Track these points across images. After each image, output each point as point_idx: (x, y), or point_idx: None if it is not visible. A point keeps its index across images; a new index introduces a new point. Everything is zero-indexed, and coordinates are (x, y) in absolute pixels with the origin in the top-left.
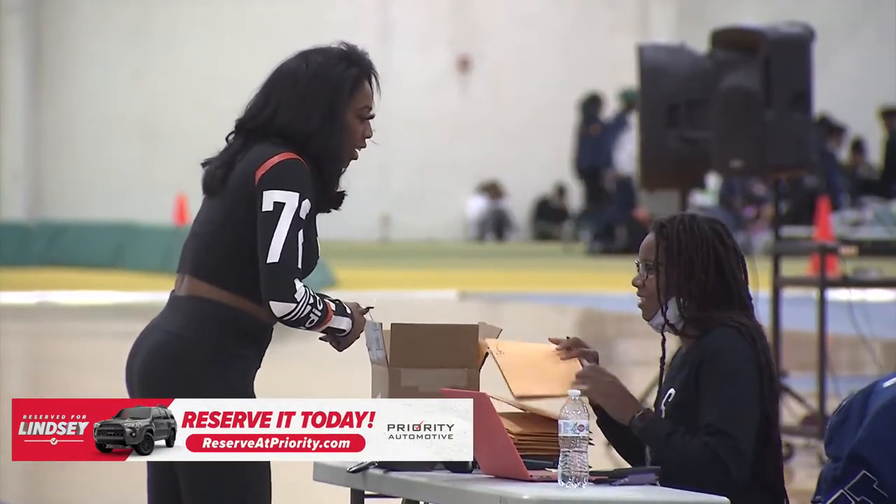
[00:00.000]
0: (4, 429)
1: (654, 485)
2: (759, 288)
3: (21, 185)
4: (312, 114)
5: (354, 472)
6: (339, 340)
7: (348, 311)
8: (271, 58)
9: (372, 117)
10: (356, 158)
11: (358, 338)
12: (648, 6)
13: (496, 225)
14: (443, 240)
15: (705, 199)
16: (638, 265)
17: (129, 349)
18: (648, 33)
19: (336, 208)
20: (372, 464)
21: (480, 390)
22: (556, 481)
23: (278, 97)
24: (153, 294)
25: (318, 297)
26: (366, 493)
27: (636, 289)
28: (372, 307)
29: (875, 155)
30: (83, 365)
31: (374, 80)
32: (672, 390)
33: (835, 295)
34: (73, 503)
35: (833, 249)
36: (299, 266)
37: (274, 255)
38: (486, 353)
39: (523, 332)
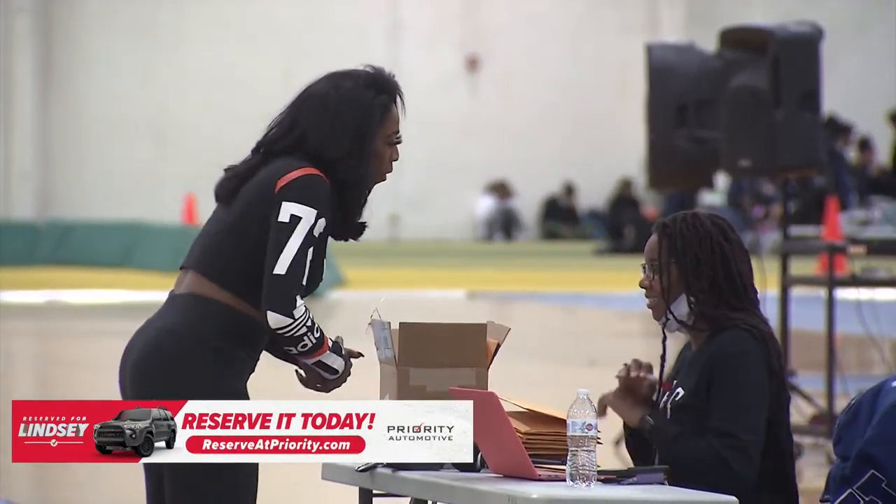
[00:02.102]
0: (7, 429)
1: (663, 484)
2: (768, 287)
3: (30, 184)
4: (342, 140)
5: (363, 471)
6: (327, 381)
7: (344, 352)
8: (278, 58)
9: (400, 141)
10: (384, 180)
11: (344, 382)
12: (657, 6)
13: (505, 224)
14: (451, 239)
15: (714, 198)
16: (644, 267)
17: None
18: (657, 33)
19: (355, 238)
20: (380, 463)
21: (489, 389)
22: (565, 480)
23: (306, 121)
24: (161, 293)
25: (317, 325)
26: (374, 492)
27: (644, 290)
28: (377, 316)
29: (883, 155)
30: (91, 364)
31: (400, 101)
32: (681, 390)
33: (843, 294)
34: (77, 503)
35: (842, 249)
36: (303, 283)
37: (282, 266)
38: (495, 352)
39: (532, 331)
